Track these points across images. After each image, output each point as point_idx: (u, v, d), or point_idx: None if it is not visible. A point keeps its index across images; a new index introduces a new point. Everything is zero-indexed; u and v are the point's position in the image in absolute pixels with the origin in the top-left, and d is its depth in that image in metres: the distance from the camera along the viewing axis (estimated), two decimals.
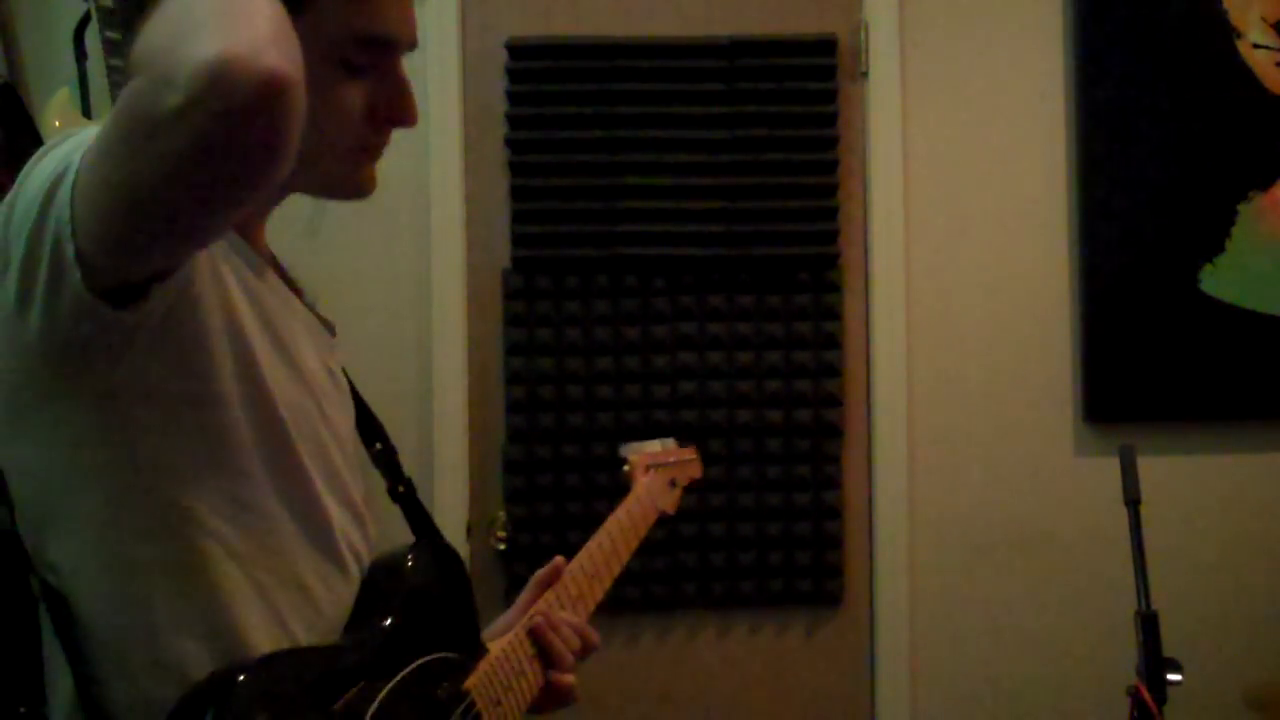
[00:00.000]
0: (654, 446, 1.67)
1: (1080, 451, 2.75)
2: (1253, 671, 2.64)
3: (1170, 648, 1.68)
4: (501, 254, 2.70)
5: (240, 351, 0.99)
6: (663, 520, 1.63)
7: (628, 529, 1.54)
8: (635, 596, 2.67)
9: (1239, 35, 2.72)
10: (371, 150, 1.08)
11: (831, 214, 2.72)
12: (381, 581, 1.12)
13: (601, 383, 2.68)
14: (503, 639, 1.28)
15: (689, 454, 1.74)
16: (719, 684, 2.71)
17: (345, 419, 1.18)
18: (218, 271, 0.98)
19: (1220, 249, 2.71)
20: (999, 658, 2.75)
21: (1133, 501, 1.79)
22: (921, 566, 2.74)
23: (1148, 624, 1.68)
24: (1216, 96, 2.71)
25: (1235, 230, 2.72)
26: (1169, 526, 2.63)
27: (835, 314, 2.73)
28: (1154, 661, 1.66)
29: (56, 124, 2.31)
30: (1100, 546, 2.66)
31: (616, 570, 1.50)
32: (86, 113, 2.45)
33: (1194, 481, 2.73)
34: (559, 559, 1.42)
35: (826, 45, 2.73)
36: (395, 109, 1.07)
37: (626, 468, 1.64)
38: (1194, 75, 2.71)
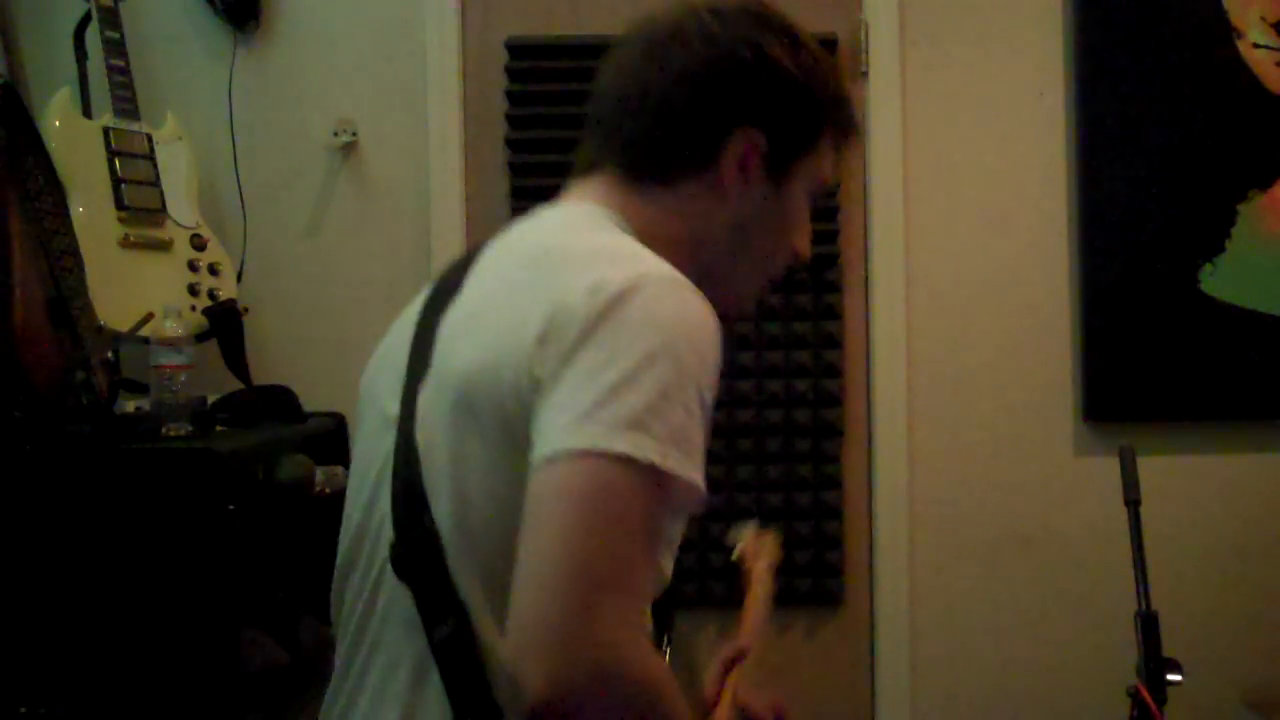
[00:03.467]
0: (748, 530, 1.74)
1: (1080, 451, 2.75)
2: (1253, 671, 2.64)
3: (1170, 648, 1.68)
4: None
5: None
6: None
7: (764, 604, 1.63)
8: None
9: (1239, 35, 2.72)
10: (770, 281, 1.26)
11: (831, 214, 2.72)
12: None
13: None
14: (719, 709, 1.34)
15: (770, 537, 1.78)
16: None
17: None
18: None
19: (1220, 249, 2.71)
20: (999, 658, 2.75)
21: (1133, 501, 1.79)
22: (921, 566, 2.74)
23: (1148, 624, 1.68)
24: (1216, 96, 2.71)
25: (1235, 230, 2.72)
26: (1169, 526, 2.63)
27: (835, 314, 2.73)
28: (1154, 661, 1.66)
29: (56, 124, 2.31)
30: (1100, 546, 2.66)
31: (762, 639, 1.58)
32: (87, 113, 2.45)
33: (1194, 481, 2.73)
34: (745, 641, 1.51)
35: (826, 45, 2.72)
36: (805, 244, 1.26)
37: (736, 556, 1.71)
38: (1194, 75, 2.71)
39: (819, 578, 2.71)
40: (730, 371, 2.70)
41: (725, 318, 1.16)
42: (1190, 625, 2.57)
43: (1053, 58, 2.76)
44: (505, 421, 1.00)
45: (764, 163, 1.18)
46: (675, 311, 1.01)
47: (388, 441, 1.10)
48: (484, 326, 1.07)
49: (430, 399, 1.08)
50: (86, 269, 2.06)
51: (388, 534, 1.07)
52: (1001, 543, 2.74)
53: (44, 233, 1.96)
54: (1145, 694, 1.62)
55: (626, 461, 0.93)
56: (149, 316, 2.17)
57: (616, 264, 1.03)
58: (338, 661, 1.15)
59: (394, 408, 1.11)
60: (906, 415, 2.73)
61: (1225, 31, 2.72)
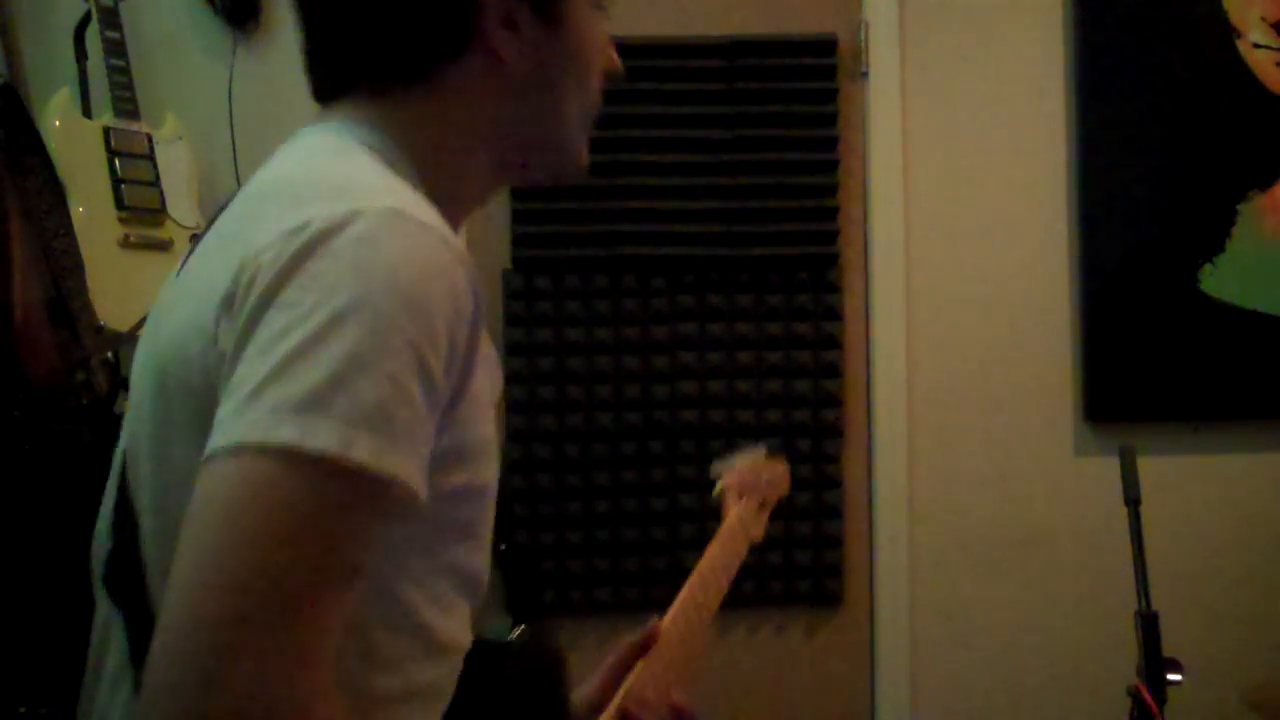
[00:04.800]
0: (745, 461, 1.53)
1: (1080, 451, 2.75)
2: (1252, 671, 2.64)
3: (1170, 648, 1.67)
4: (501, 254, 2.70)
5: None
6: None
7: (720, 573, 1.38)
8: (635, 597, 2.67)
9: (1239, 35, 2.72)
10: (595, 116, 1.07)
11: (831, 214, 2.72)
12: (487, 662, 0.98)
13: (601, 383, 2.68)
14: None
15: (778, 467, 1.59)
16: (719, 684, 2.71)
17: None
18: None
19: (1220, 249, 2.71)
20: (999, 658, 2.75)
21: (1133, 501, 1.79)
22: (921, 566, 2.74)
23: (1148, 624, 1.68)
24: (1216, 96, 2.71)
25: (1235, 230, 2.72)
26: (1169, 526, 2.63)
27: (835, 314, 2.73)
28: (1154, 661, 1.66)
29: (56, 124, 2.31)
30: (1100, 546, 2.66)
31: (709, 619, 1.35)
32: (86, 112, 2.45)
33: (1194, 481, 2.73)
34: (656, 623, 1.25)
35: (826, 45, 2.73)
36: (611, 57, 1.07)
37: (717, 492, 1.49)
38: (1194, 75, 2.71)
39: (819, 578, 2.71)
40: (730, 371, 2.70)
41: (567, 176, 1.06)
42: (1190, 625, 2.57)
43: (1053, 58, 2.76)
44: (199, 410, 0.80)
45: (530, 7, 0.97)
46: (387, 254, 0.78)
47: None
48: (183, 291, 0.88)
49: (136, 384, 0.91)
50: (86, 269, 2.06)
51: (104, 545, 0.91)
52: (1001, 543, 2.74)
53: (44, 233, 1.96)
54: (1145, 694, 1.62)
55: (291, 455, 0.71)
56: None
57: (325, 198, 0.81)
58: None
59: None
60: (906, 415, 2.73)
61: (1225, 31, 2.72)
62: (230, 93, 2.64)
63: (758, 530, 1.51)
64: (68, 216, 2.06)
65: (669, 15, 2.72)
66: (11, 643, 1.79)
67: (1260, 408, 2.73)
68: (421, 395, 0.76)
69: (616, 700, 1.16)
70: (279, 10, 2.69)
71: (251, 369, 0.75)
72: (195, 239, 0.95)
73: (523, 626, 1.04)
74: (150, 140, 2.45)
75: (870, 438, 2.75)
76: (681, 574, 2.77)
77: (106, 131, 2.38)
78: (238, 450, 0.72)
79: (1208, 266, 2.71)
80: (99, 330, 2.07)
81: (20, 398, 1.84)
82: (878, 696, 2.73)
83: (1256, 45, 2.72)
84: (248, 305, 0.77)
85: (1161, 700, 1.63)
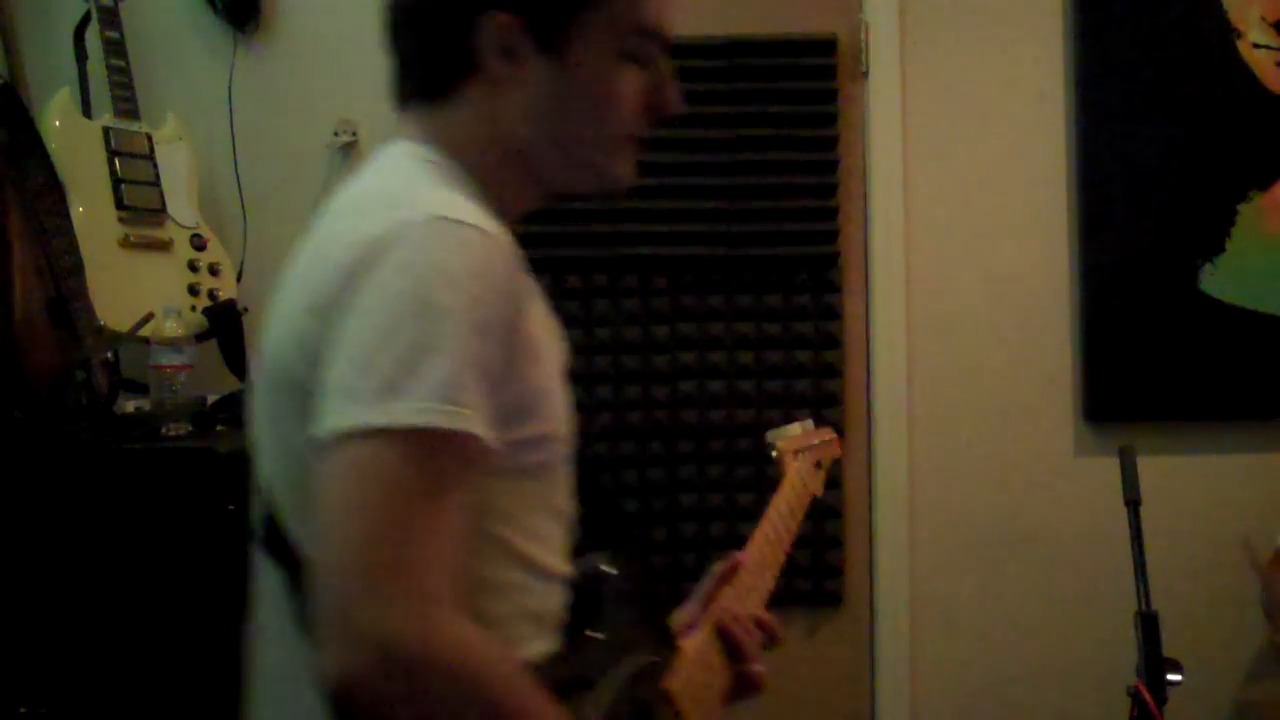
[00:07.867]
0: (796, 430, 1.66)
1: (1080, 451, 2.75)
2: (1252, 671, 2.64)
3: (1170, 648, 1.68)
4: None
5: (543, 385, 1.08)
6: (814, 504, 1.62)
7: (787, 516, 1.54)
8: None
9: (1239, 35, 2.72)
10: (636, 141, 1.15)
11: (831, 214, 2.72)
12: (589, 588, 1.17)
13: (601, 382, 2.68)
14: (694, 637, 1.29)
15: (828, 434, 1.73)
16: None
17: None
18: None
19: (1220, 249, 2.71)
20: (999, 657, 2.75)
21: (1133, 501, 1.80)
22: (921, 566, 2.74)
23: (1148, 624, 1.69)
24: (1216, 96, 2.71)
25: (1235, 230, 2.72)
26: (1169, 526, 2.63)
27: (835, 314, 2.73)
28: (1154, 661, 1.66)
29: (56, 124, 2.31)
30: (1100, 546, 2.66)
31: (782, 559, 1.51)
32: (86, 113, 2.45)
33: (1194, 481, 2.73)
34: (737, 555, 1.42)
35: (826, 45, 2.73)
36: (660, 98, 1.14)
37: (775, 454, 1.62)
38: (1194, 75, 2.71)
39: (819, 578, 2.71)
40: (730, 371, 2.70)
41: (601, 191, 1.17)
42: (1190, 625, 2.57)
43: (1053, 58, 2.76)
44: (308, 398, 0.96)
45: (532, 40, 1.07)
46: (434, 255, 0.95)
47: None
48: (282, 298, 1.06)
49: (255, 382, 1.08)
50: (86, 269, 2.06)
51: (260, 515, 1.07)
52: (1001, 543, 2.74)
53: (44, 233, 1.96)
54: (1145, 694, 1.63)
55: (384, 434, 0.89)
56: (149, 316, 2.17)
57: (377, 213, 0.99)
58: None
59: None
60: (906, 415, 2.73)
61: (1225, 31, 2.72)
62: (230, 93, 2.65)
63: (816, 486, 1.63)
64: (68, 216, 2.06)
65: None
66: (11, 643, 1.80)
67: (1260, 408, 2.73)
68: (483, 362, 0.94)
69: (711, 616, 1.32)
70: (279, 10, 2.69)
71: (336, 366, 0.93)
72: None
73: (617, 557, 1.20)
74: (150, 140, 2.45)
75: (870, 438, 2.75)
76: (684, 574, 2.77)
77: (106, 131, 2.38)
78: (345, 436, 0.90)
79: (1208, 266, 2.71)
80: (99, 330, 2.07)
81: (20, 398, 1.84)
82: (878, 696, 2.73)
83: (1256, 45, 2.72)
84: (329, 310, 0.95)
85: (1161, 700, 1.63)
